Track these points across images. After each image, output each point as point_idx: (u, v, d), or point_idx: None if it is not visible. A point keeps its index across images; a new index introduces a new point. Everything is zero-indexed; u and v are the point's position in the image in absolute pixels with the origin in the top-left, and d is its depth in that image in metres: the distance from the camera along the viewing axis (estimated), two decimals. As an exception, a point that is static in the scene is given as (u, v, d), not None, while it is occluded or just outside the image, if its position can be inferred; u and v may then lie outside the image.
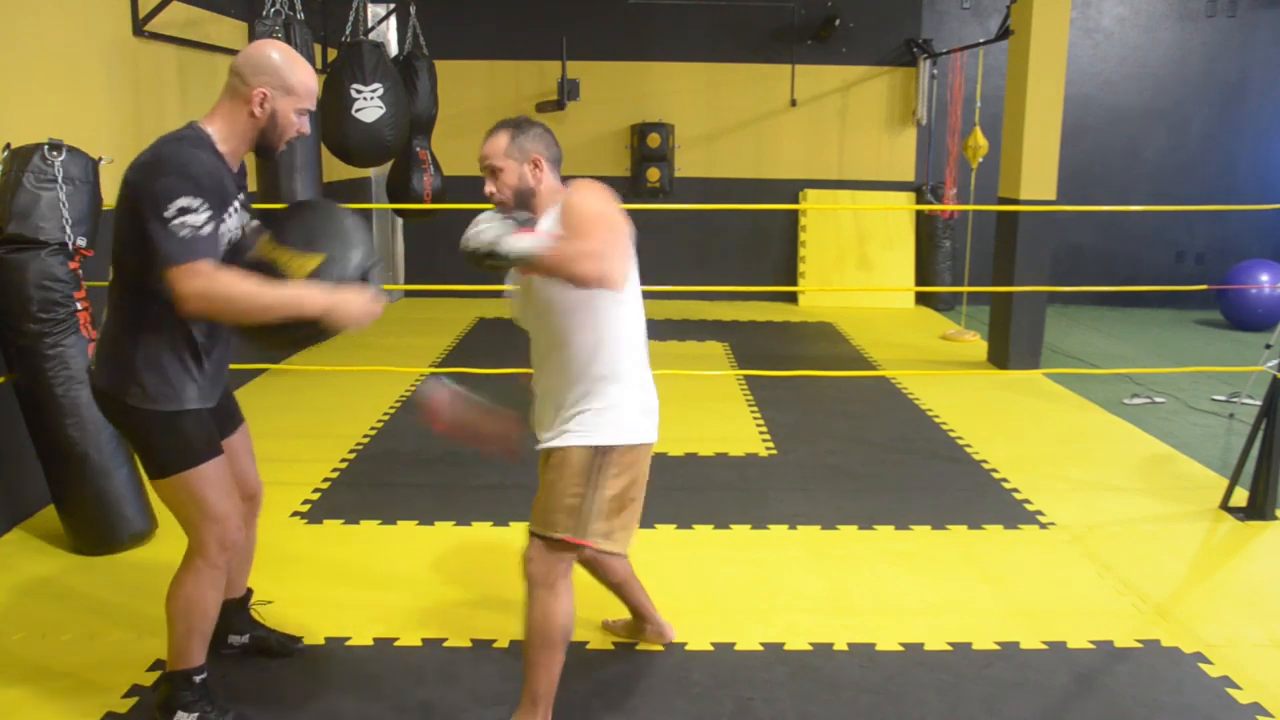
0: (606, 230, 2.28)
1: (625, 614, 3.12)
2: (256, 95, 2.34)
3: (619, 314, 2.44)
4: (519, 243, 2.22)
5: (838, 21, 9.02)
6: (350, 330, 2.35)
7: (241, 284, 2.24)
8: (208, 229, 2.23)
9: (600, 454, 2.43)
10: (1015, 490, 4.50)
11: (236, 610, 2.93)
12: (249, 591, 2.99)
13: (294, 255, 2.33)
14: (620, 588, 2.99)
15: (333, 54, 6.91)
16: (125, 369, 2.36)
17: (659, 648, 3.09)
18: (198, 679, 2.56)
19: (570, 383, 2.45)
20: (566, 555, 2.47)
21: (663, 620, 3.09)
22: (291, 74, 2.37)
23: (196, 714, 2.55)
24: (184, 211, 2.19)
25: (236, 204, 2.40)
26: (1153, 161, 9.48)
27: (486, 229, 2.27)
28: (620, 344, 2.45)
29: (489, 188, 2.47)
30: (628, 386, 2.46)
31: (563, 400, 2.46)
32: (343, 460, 4.80)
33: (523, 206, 2.46)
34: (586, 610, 3.32)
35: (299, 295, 2.28)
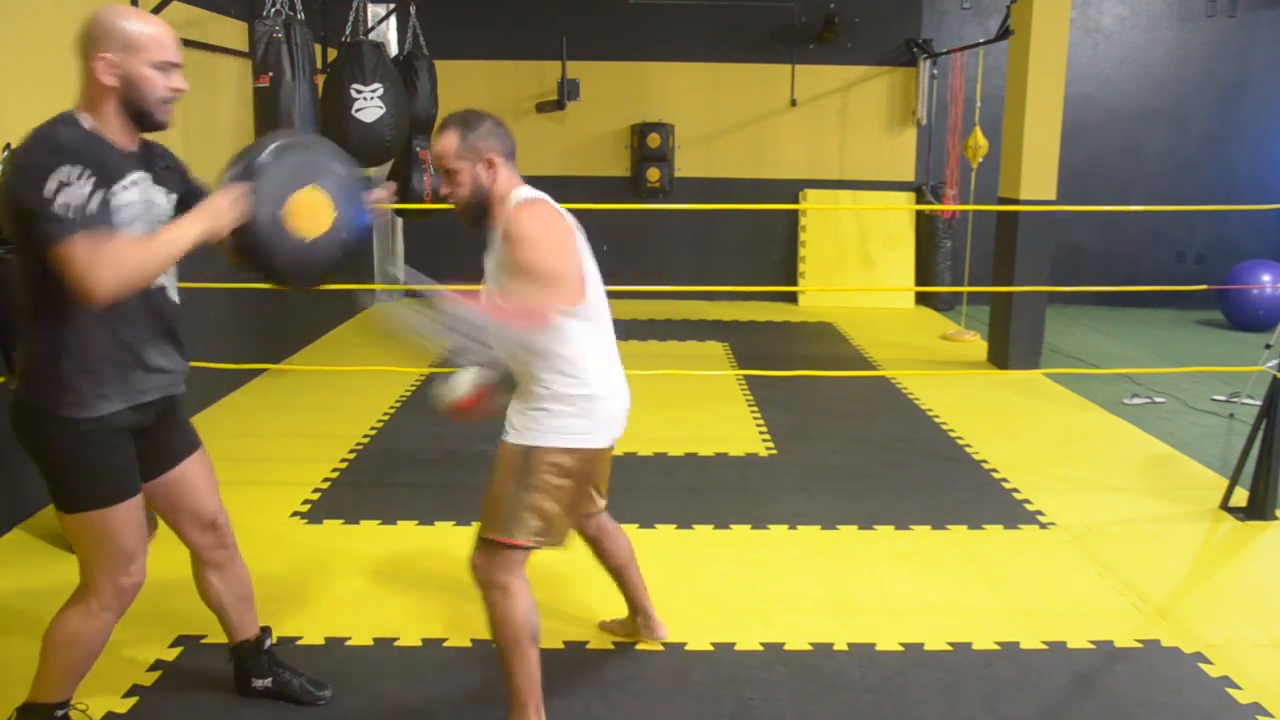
0: (540, 275, 2.31)
1: (622, 612, 3.12)
2: (99, 64, 2.17)
3: (569, 322, 2.42)
4: (464, 323, 2.27)
5: (837, 20, 9.02)
6: (225, 230, 2.19)
7: (124, 243, 2.11)
8: (94, 203, 2.08)
9: (531, 454, 2.43)
10: (1015, 490, 4.50)
11: (253, 653, 2.76)
12: (264, 631, 2.78)
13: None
14: (620, 572, 3.00)
15: (333, 54, 6.91)
16: (54, 378, 2.20)
17: (659, 647, 3.09)
18: (59, 713, 2.44)
19: (525, 381, 2.48)
20: (509, 555, 2.47)
21: (657, 617, 3.09)
22: (128, 28, 2.18)
23: None
24: (63, 186, 2.04)
25: (135, 176, 2.24)
26: (1153, 161, 9.48)
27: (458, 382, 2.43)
28: (572, 349, 2.44)
29: (444, 189, 2.47)
30: (578, 390, 2.45)
31: (518, 397, 2.50)
32: (343, 460, 4.80)
33: (479, 207, 2.46)
34: (586, 610, 3.32)
35: (177, 224, 2.18)
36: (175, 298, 2.41)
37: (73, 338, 2.20)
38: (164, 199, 2.33)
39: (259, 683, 2.77)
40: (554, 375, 2.44)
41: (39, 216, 2.04)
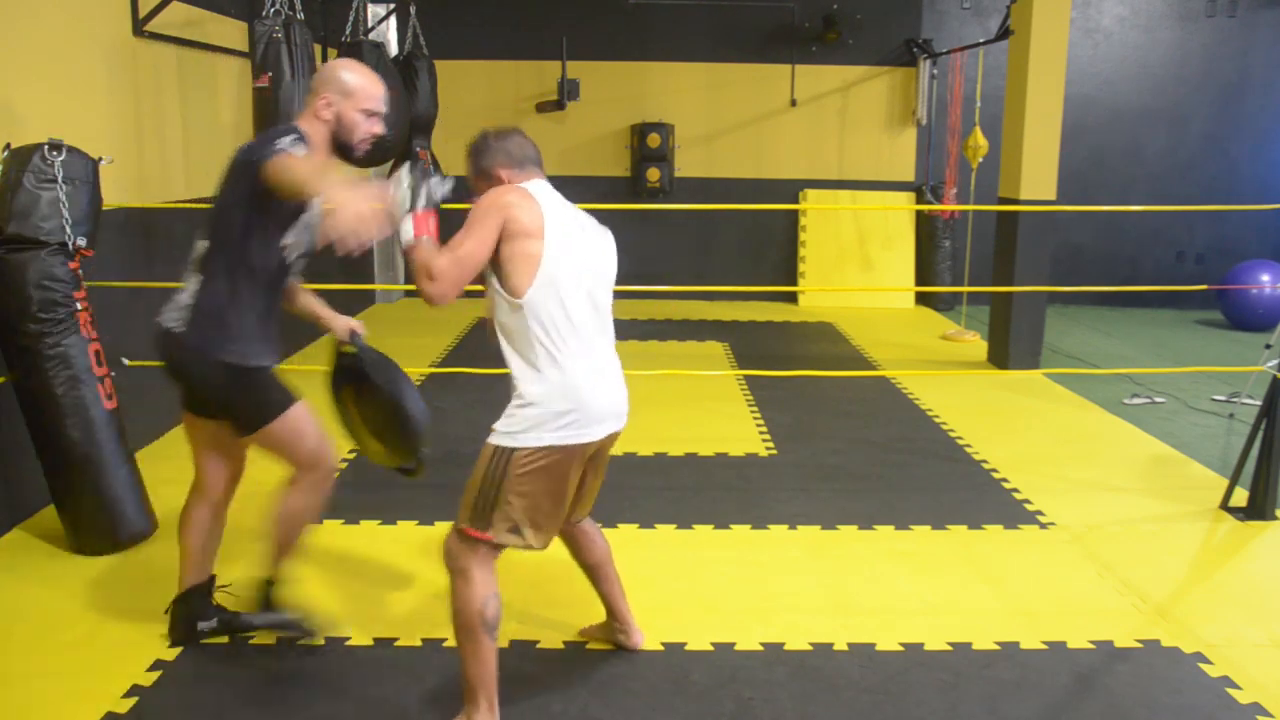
0: (466, 247, 2.41)
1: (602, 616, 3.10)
2: (320, 102, 2.71)
3: (524, 319, 2.46)
4: (405, 229, 2.45)
5: (838, 20, 9.02)
6: (352, 240, 2.29)
7: (308, 162, 2.57)
8: (302, 157, 2.57)
9: (502, 454, 2.47)
10: (1015, 490, 4.50)
11: (202, 595, 3.04)
12: (213, 577, 3.08)
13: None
14: (594, 570, 2.98)
15: (333, 54, 6.91)
16: (224, 332, 2.69)
17: (659, 647, 3.08)
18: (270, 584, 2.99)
19: (511, 380, 2.52)
20: (476, 546, 2.51)
21: (634, 623, 3.06)
22: (346, 78, 2.73)
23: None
24: (288, 146, 2.57)
25: None
26: (1153, 161, 9.49)
27: (404, 183, 2.49)
28: (535, 347, 2.46)
29: None
30: (548, 390, 2.46)
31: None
32: (343, 460, 4.80)
33: None
34: (586, 609, 3.32)
35: (332, 182, 2.44)
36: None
37: (250, 307, 2.73)
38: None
39: (204, 624, 3.03)
40: (522, 373, 2.48)
41: (263, 159, 2.54)
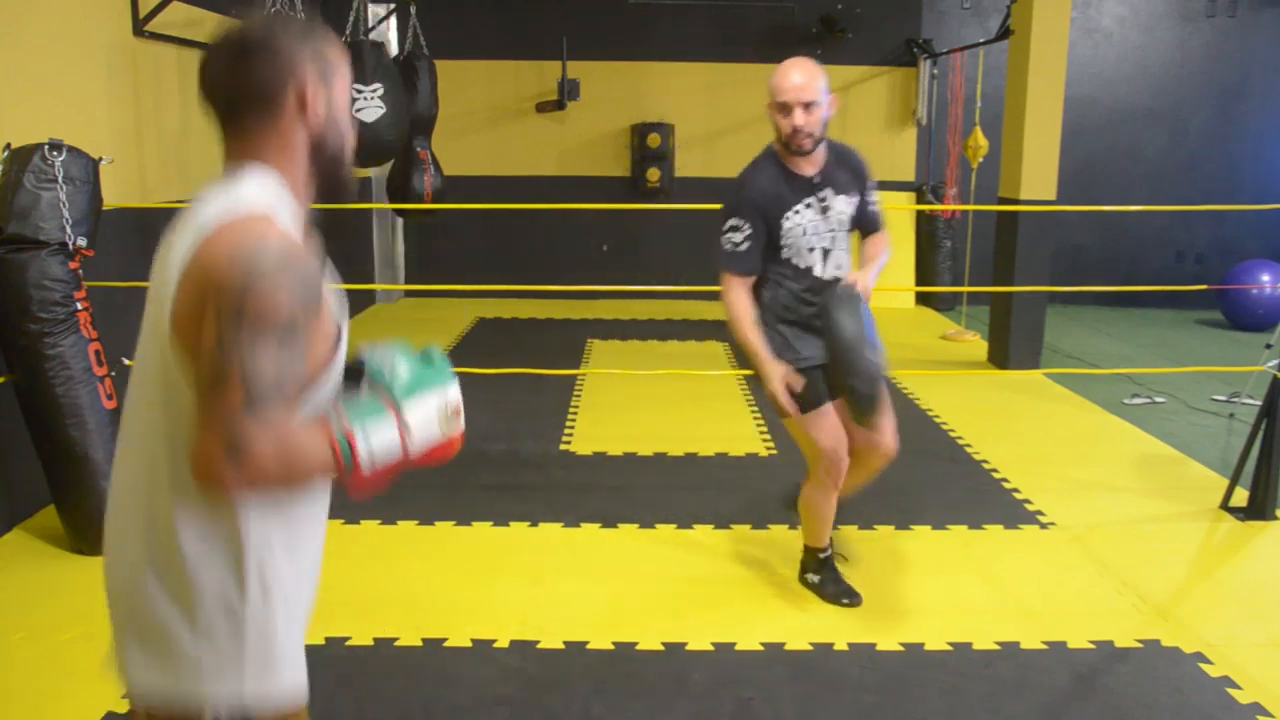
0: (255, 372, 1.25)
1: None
2: (770, 109, 3.04)
3: None
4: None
5: (838, 19, 9.01)
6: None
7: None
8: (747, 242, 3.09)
9: None
10: (1015, 490, 4.50)
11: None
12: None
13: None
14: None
15: (333, 54, 6.91)
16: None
17: (659, 647, 3.08)
18: (823, 555, 3.42)
19: None
20: None
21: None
22: (771, 81, 3.05)
23: (818, 577, 3.42)
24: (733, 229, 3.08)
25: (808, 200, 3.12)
26: (1153, 161, 9.48)
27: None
28: None
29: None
30: None
31: None
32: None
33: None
34: (587, 609, 3.32)
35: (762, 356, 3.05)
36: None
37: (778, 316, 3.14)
38: (844, 204, 3.18)
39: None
40: None
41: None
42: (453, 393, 1.43)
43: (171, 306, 1.29)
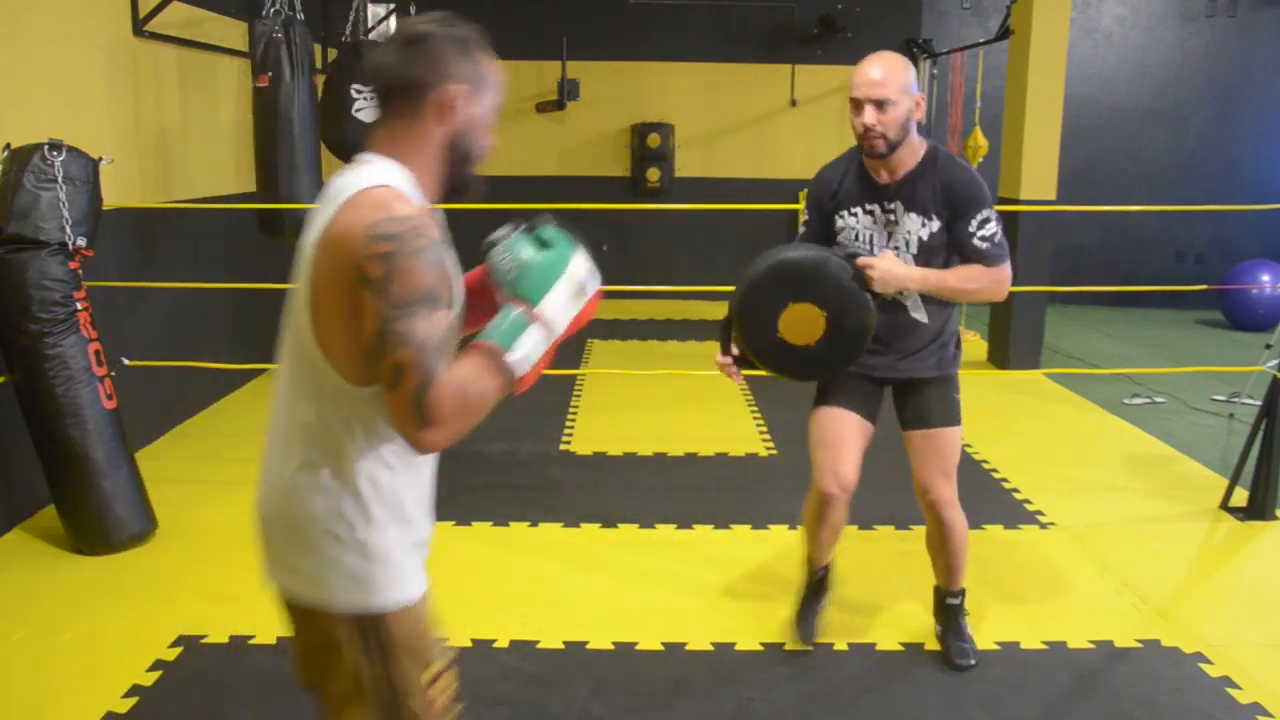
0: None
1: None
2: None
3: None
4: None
5: (837, 19, 9.02)
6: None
7: None
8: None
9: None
10: (1015, 490, 4.50)
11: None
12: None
13: None
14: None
15: (333, 54, 6.91)
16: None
17: (659, 647, 3.08)
18: (810, 576, 3.25)
19: None
20: None
21: None
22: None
23: (798, 599, 3.21)
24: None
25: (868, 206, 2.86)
26: (1153, 161, 9.48)
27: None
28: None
29: None
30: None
31: None
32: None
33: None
34: (588, 609, 3.32)
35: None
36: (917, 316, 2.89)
37: None
38: (916, 225, 2.79)
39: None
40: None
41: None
42: (577, 265, 1.53)
43: (310, 270, 1.45)
